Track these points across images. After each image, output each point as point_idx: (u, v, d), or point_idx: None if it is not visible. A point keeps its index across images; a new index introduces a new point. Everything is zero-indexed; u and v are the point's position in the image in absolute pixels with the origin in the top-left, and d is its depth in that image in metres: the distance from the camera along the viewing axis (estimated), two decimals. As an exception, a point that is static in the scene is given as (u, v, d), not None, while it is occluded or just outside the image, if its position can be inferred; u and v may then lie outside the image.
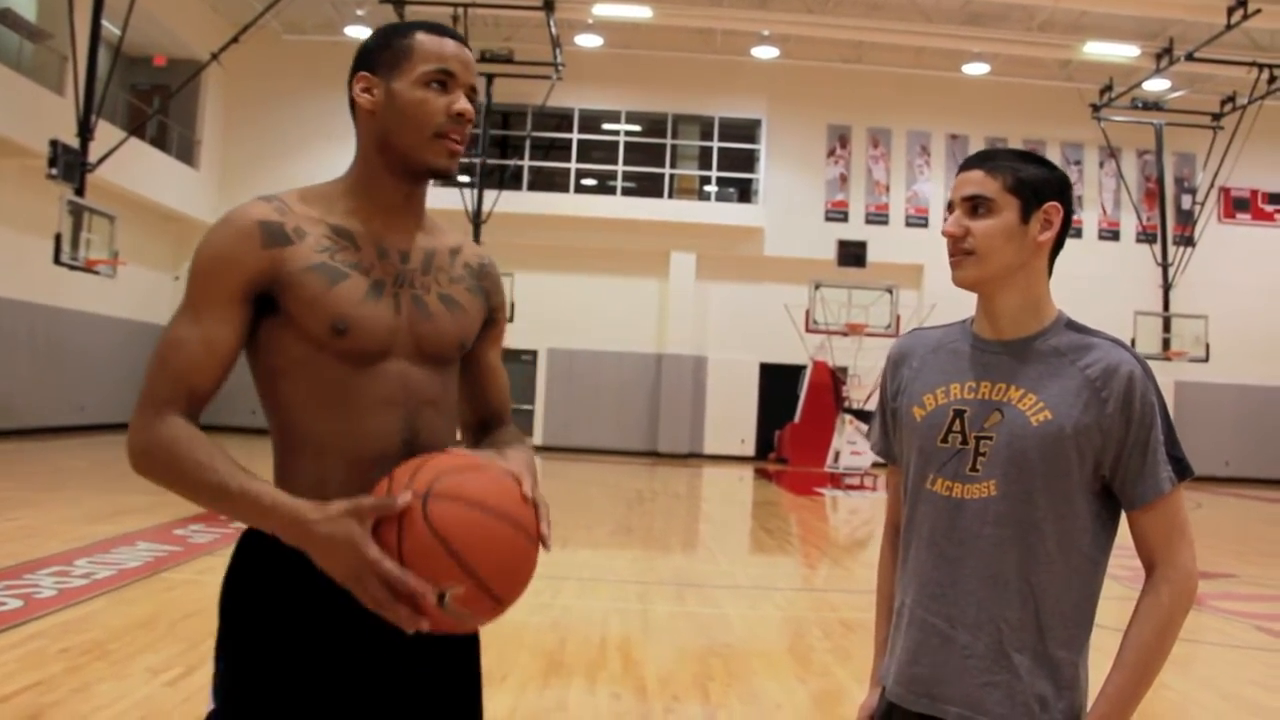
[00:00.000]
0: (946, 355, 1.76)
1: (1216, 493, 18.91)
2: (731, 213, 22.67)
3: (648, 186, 23.05)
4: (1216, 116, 20.74)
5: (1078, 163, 22.68)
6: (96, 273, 14.75)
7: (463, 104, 1.60)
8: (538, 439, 22.04)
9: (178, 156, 20.60)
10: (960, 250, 1.69)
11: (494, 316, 1.77)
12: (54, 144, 13.75)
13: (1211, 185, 21.50)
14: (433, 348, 1.62)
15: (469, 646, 1.70)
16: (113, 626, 5.19)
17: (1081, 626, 1.66)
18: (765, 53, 22.06)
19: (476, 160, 20.66)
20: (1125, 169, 22.47)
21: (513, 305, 19.49)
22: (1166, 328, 20.87)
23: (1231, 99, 20.22)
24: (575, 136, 22.79)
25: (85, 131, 14.38)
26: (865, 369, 17.67)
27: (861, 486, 16.27)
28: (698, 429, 22.42)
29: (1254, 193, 23.08)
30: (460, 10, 17.71)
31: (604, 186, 23.22)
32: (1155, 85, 20.83)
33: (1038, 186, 1.67)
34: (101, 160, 14.64)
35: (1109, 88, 20.88)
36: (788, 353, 20.66)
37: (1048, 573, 1.63)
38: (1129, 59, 20.39)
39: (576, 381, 22.38)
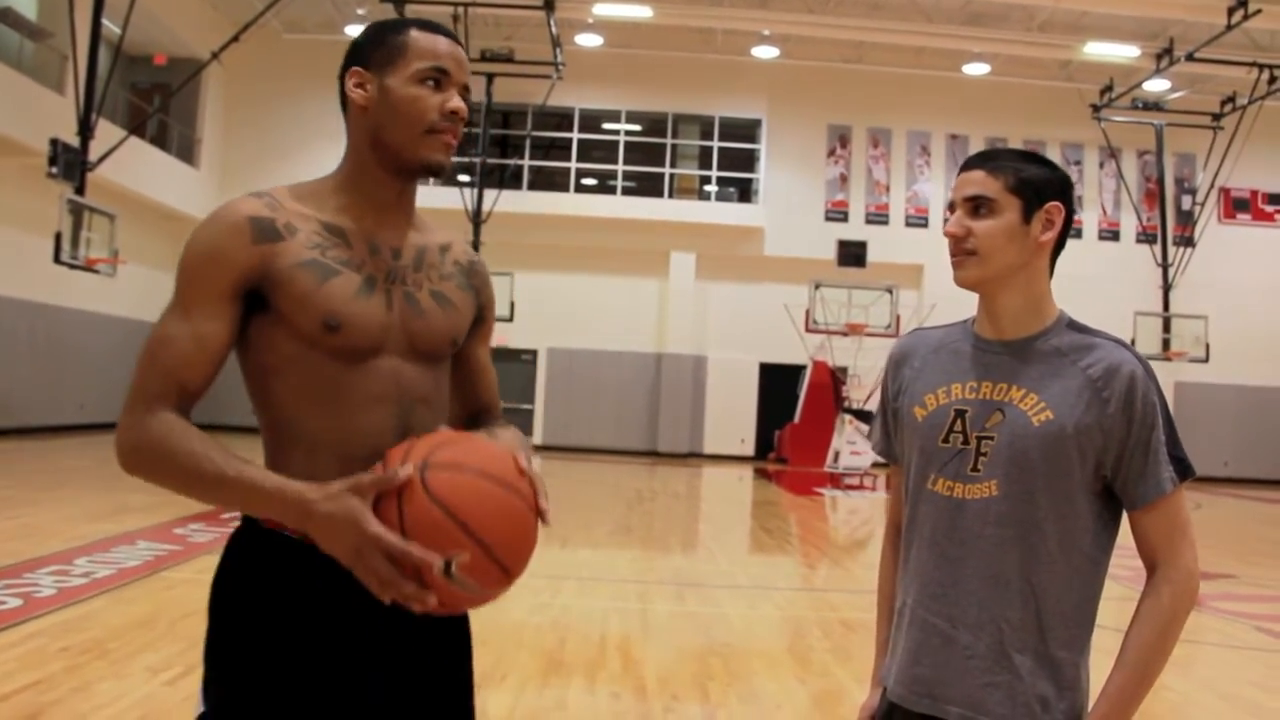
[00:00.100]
0: (948, 355, 1.76)
1: (1216, 493, 18.91)
2: (731, 212, 22.67)
3: (648, 186, 23.05)
4: (1217, 117, 20.74)
5: (1078, 163, 22.68)
6: (97, 271, 14.74)
7: (456, 102, 1.59)
8: (537, 438, 22.03)
9: (178, 155, 20.60)
10: (962, 250, 1.69)
11: (483, 314, 1.77)
12: (54, 143, 13.75)
13: (1211, 186, 21.50)
14: (425, 344, 1.61)
15: (460, 647, 1.69)
16: (112, 625, 5.19)
17: (1083, 627, 1.66)
18: (765, 52, 22.06)
19: (476, 160, 20.67)
20: (1125, 169, 22.47)
21: (512, 305, 19.52)
22: (1166, 328, 20.87)
23: (1232, 99, 20.21)
24: (575, 136, 22.79)
25: (85, 130, 14.37)
26: (865, 369, 17.67)
27: (861, 486, 16.27)
28: (697, 429, 22.42)
29: (1254, 193, 23.08)
30: (460, 9, 17.71)
31: (604, 186, 23.22)
32: (1155, 85, 20.83)
33: (1039, 186, 1.67)
34: (102, 159, 14.64)
35: (1109, 88, 20.88)
36: (787, 353, 20.65)
37: (1049, 573, 1.63)
38: (1129, 59, 20.39)
39: (576, 381, 22.38)
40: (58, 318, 17.25)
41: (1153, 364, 1.69)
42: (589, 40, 21.68)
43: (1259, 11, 16.38)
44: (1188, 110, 21.00)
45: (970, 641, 1.64)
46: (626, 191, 23.10)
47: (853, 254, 21.35)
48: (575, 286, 22.25)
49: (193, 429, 1.48)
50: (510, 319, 19.44)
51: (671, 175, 23.05)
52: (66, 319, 17.46)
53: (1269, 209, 23.19)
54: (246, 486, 1.43)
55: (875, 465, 16.42)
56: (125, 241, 15.49)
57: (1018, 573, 1.63)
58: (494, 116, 21.72)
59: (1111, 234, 22.91)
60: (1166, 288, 21.79)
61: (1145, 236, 22.35)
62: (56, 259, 13.69)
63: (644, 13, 19.55)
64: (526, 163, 22.54)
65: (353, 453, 1.52)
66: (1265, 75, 18.65)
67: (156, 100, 18.63)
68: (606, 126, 23.13)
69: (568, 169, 22.82)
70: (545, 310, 21.51)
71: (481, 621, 5.55)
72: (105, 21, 14.90)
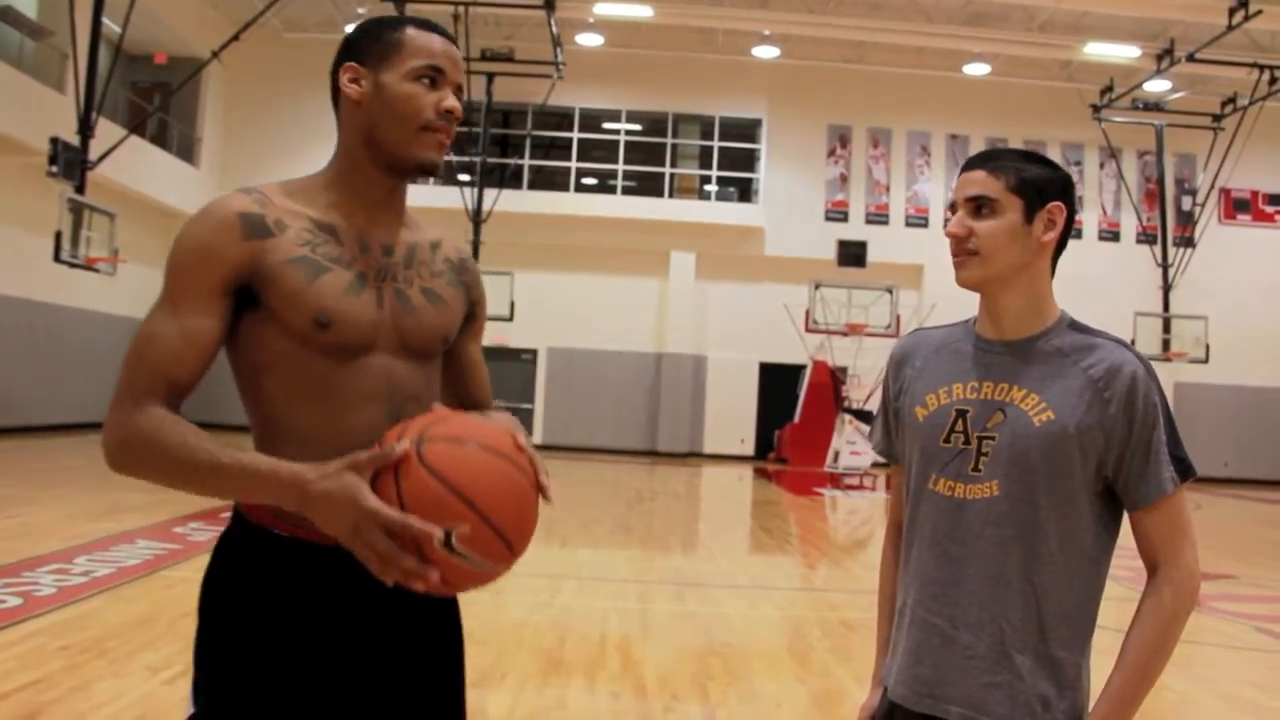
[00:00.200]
0: (949, 355, 1.76)
1: (1216, 494, 18.91)
2: (731, 212, 22.67)
3: (648, 186, 23.05)
4: (1217, 117, 20.74)
5: (1078, 163, 22.68)
6: (97, 270, 14.74)
7: (452, 101, 1.58)
8: (537, 438, 22.02)
9: (178, 154, 20.60)
10: (964, 250, 1.68)
11: (474, 311, 1.76)
12: (54, 141, 13.75)
13: (1212, 186, 21.50)
14: (416, 341, 1.60)
15: (452, 647, 1.69)
16: (112, 624, 5.19)
17: (1083, 627, 1.66)
18: (766, 52, 22.06)
19: (477, 159, 20.67)
20: (1125, 170, 22.47)
21: (512, 304, 19.52)
22: (1166, 328, 20.88)
23: (1232, 100, 20.21)
24: (575, 135, 22.79)
25: (86, 129, 14.37)
26: (865, 369, 17.67)
27: (861, 486, 16.27)
28: (697, 428, 22.42)
29: (1254, 194, 23.08)
30: (461, 8, 17.70)
31: (604, 186, 23.22)
32: (1156, 86, 20.83)
33: (1041, 186, 1.67)
34: (102, 158, 14.64)
35: (1109, 88, 20.88)
36: (787, 352, 20.65)
37: (1050, 573, 1.63)
38: (1130, 60, 20.40)
39: (576, 380, 22.38)
40: (58, 316, 17.25)
41: (1153, 364, 1.69)
42: (589, 40, 21.68)
43: (1260, 12, 16.38)
44: (1188, 111, 21.00)
45: (971, 641, 1.64)
46: (627, 191, 23.10)
47: (853, 254, 21.35)
48: (575, 286, 22.25)
49: (183, 421, 1.46)
50: (510, 318, 19.45)
51: (672, 175, 23.05)
52: (66, 318, 17.46)
53: (1269, 210, 23.19)
54: (242, 472, 1.41)
55: (875, 465, 16.43)
56: (125, 240, 15.49)
57: (1019, 573, 1.63)
58: (494, 116, 21.73)
59: (1112, 234, 22.91)
60: (1166, 288, 21.79)
61: (1145, 237, 22.36)
62: (56, 258, 13.69)
63: (644, 12, 19.55)
64: (527, 162, 22.54)
65: (344, 450, 1.50)
66: (1266, 76, 18.66)
67: (157, 99, 18.62)
68: (607, 126, 23.13)
69: (568, 168, 22.82)
70: (545, 310, 21.52)
71: (481, 621, 5.52)
72: (105, 20, 14.90)
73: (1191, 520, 1.66)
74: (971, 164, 1.71)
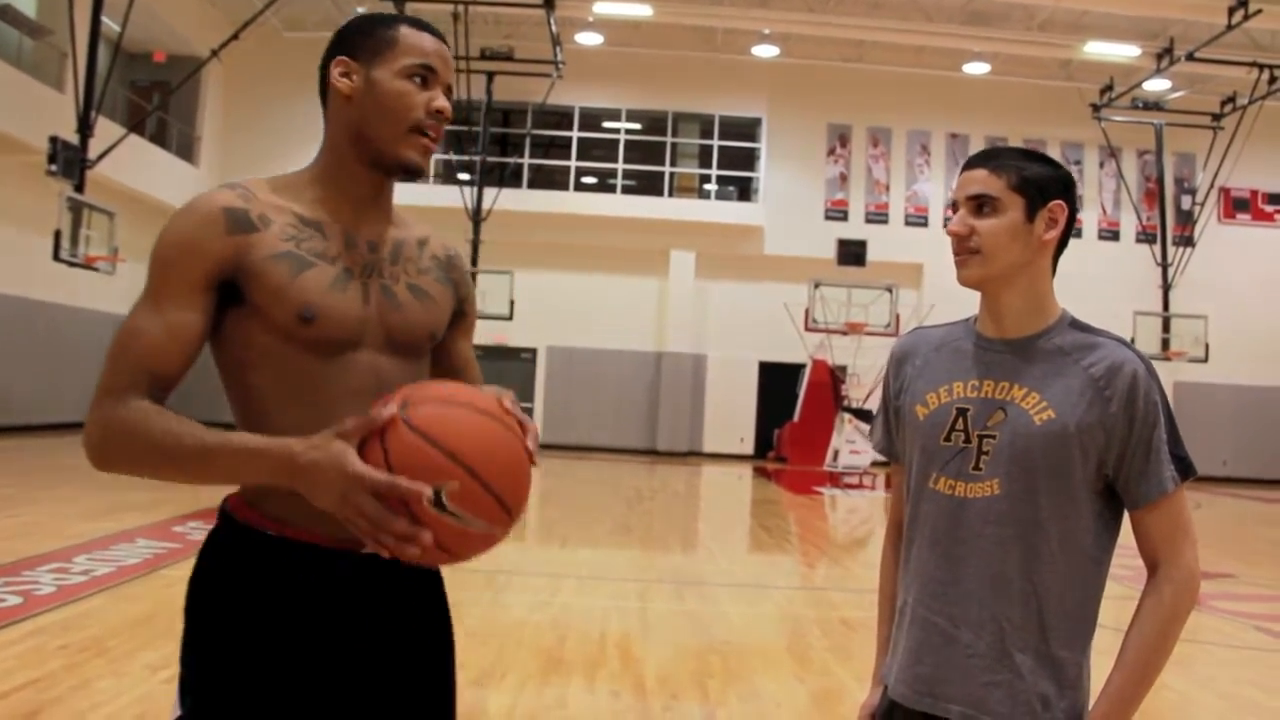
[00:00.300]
0: (950, 354, 1.76)
1: (1215, 493, 18.92)
2: (731, 211, 22.66)
3: (648, 185, 23.05)
4: (1217, 117, 20.74)
5: (1078, 163, 22.68)
6: (96, 269, 14.74)
7: (442, 101, 1.58)
8: (537, 437, 22.00)
9: (177, 153, 20.58)
10: (965, 249, 1.68)
11: (463, 308, 1.75)
12: (54, 140, 13.74)
13: (1211, 185, 21.50)
14: (403, 337, 1.59)
15: (443, 648, 1.68)
16: (112, 623, 5.19)
17: (1084, 626, 1.66)
18: (765, 51, 22.06)
19: (476, 158, 20.67)
20: (1125, 169, 22.47)
21: (512, 303, 19.52)
22: (1166, 328, 20.89)
23: (1232, 99, 20.21)
24: (575, 134, 22.78)
25: (85, 128, 14.36)
26: (865, 368, 17.68)
27: (860, 485, 16.28)
28: (697, 427, 22.42)
29: (1254, 193, 23.08)
30: (461, 7, 17.69)
31: (604, 185, 23.21)
32: (1155, 85, 20.83)
33: (1042, 185, 1.67)
34: (101, 157, 14.63)
35: (1109, 87, 20.88)
36: (787, 351, 20.66)
37: (1050, 572, 1.63)
38: (1129, 59, 20.39)
39: (576, 379, 22.38)
40: (57, 315, 17.25)
41: (1153, 363, 1.69)
42: (589, 39, 21.68)
43: (1259, 11, 16.38)
44: (1188, 110, 21.00)
45: (971, 640, 1.64)
46: (626, 190, 23.10)
47: (852, 253, 21.35)
48: (575, 285, 22.25)
49: (167, 411, 1.44)
50: (510, 317, 19.45)
51: (671, 174, 23.04)
52: (66, 317, 17.46)
53: (1269, 209, 23.19)
54: (232, 451, 1.39)
55: (875, 464, 16.43)
56: (124, 239, 15.48)
57: (1019, 572, 1.63)
58: (494, 115, 21.72)
59: (1111, 234, 22.92)
60: (1166, 287, 21.80)
61: (1145, 236, 22.36)
62: (56, 256, 13.69)
63: (644, 11, 19.54)
64: (526, 161, 22.53)
65: None
66: (1265, 75, 18.65)
67: (156, 98, 18.62)
68: (606, 125, 23.13)
69: (568, 167, 22.81)
70: (545, 309, 21.52)
71: (481, 620, 5.53)
72: (105, 19, 14.89)
73: (1192, 519, 1.66)
74: (973, 162, 1.71)
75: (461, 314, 1.75)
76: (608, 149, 23.10)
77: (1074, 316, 1.72)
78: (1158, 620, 1.61)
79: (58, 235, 13.60)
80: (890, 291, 18.93)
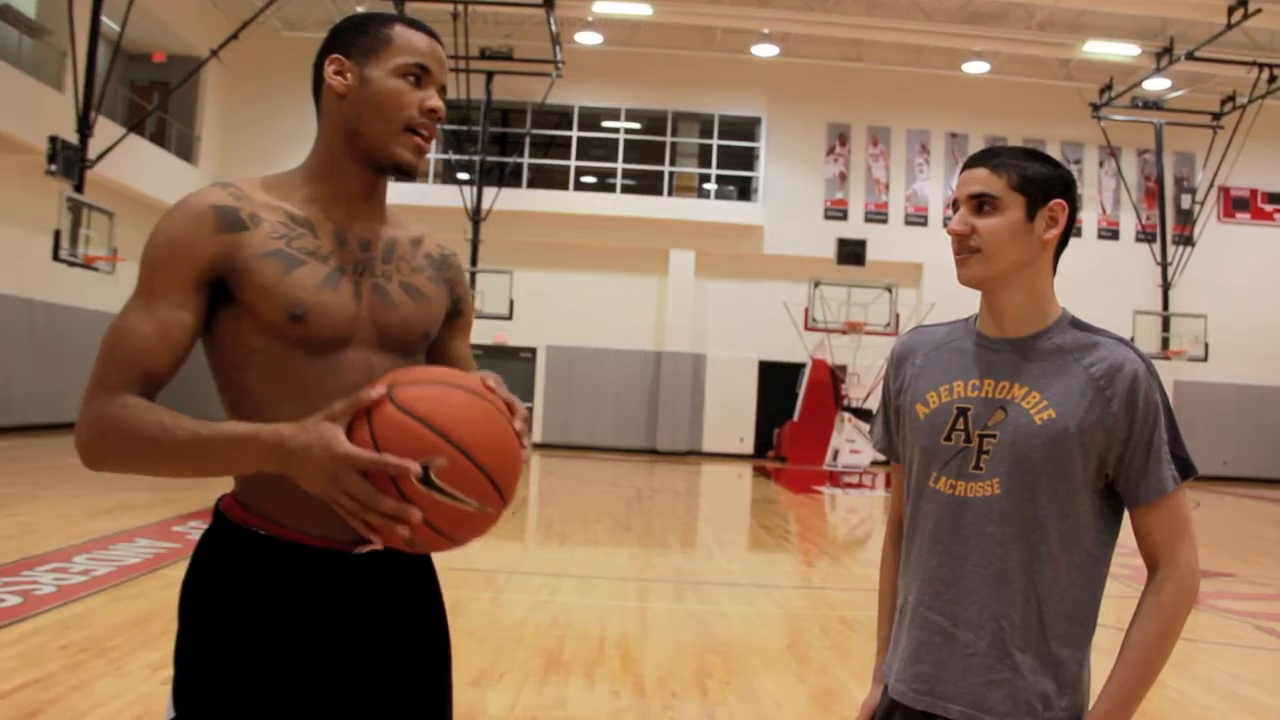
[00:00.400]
0: (950, 353, 1.76)
1: (1214, 492, 18.92)
2: (731, 210, 22.66)
3: (647, 184, 23.05)
4: (1216, 116, 20.74)
5: (1077, 162, 22.68)
6: (95, 269, 14.74)
7: (436, 101, 1.58)
8: (537, 436, 22.03)
9: (177, 153, 20.58)
10: (966, 248, 1.68)
11: (459, 307, 1.74)
12: (53, 140, 13.74)
13: (1211, 184, 21.51)
14: (396, 335, 1.58)
15: (438, 646, 1.67)
16: (112, 623, 5.18)
17: (1084, 625, 1.66)
18: (765, 50, 22.06)
19: (476, 158, 20.67)
20: (1125, 168, 22.47)
21: (512, 303, 19.51)
22: (1165, 327, 20.89)
23: (1231, 98, 20.22)
24: (575, 134, 22.78)
25: (84, 128, 14.37)
26: (864, 367, 17.69)
27: (860, 484, 16.28)
28: (696, 427, 22.42)
29: (1253, 192, 23.08)
30: (461, 7, 17.68)
31: (603, 184, 23.21)
32: (1155, 84, 20.83)
33: (1043, 184, 1.67)
34: (101, 157, 14.64)
35: (1109, 87, 20.89)
36: (787, 351, 20.67)
37: (1051, 571, 1.63)
38: (1129, 58, 20.40)
39: (575, 379, 22.38)
40: (57, 315, 17.25)
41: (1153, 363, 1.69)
42: (588, 38, 21.68)
43: (1259, 11, 16.39)
44: (1187, 109, 21.00)
45: (972, 639, 1.64)
46: (626, 189, 23.10)
47: (852, 252, 21.31)
48: (574, 284, 22.25)
49: (159, 406, 1.44)
50: (509, 317, 19.44)
51: (671, 173, 23.04)
52: (66, 316, 17.46)
53: (1268, 208, 23.19)
54: (225, 440, 1.39)
55: (874, 463, 16.43)
56: (124, 239, 15.47)
57: (1020, 571, 1.63)
58: (493, 114, 21.72)
59: (1111, 233, 22.92)
60: (1166, 286, 21.80)
61: (1144, 235, 22.36)
62: (55, 256, 13.69)
63: (644, 10, 19.54)
64: (526, 161, 22.53)
65: None
66: (1265, 74, 18.66)
67: (155, 98, 18.62)
68: (606, 124, 23.12)
69: (567, 167, 22.81)
70: (544, 308, 21.52)
71: (480, 619, 5.53)
72: (104, 19, 14.89)
73: (1192, 518, 1.66)
74: (973, 162, 1.71)
75: (457, 313, 1.74)
76: (607, 148, 23.10)
77: (1074, 316, 1.72)
78: (1158, 619, 1.61)
79: (57, 235, 13.61)
80: (890, 291, 18.93)
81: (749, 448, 22.32)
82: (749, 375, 22.40)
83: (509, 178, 21.81)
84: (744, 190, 23.44)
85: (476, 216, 20.44)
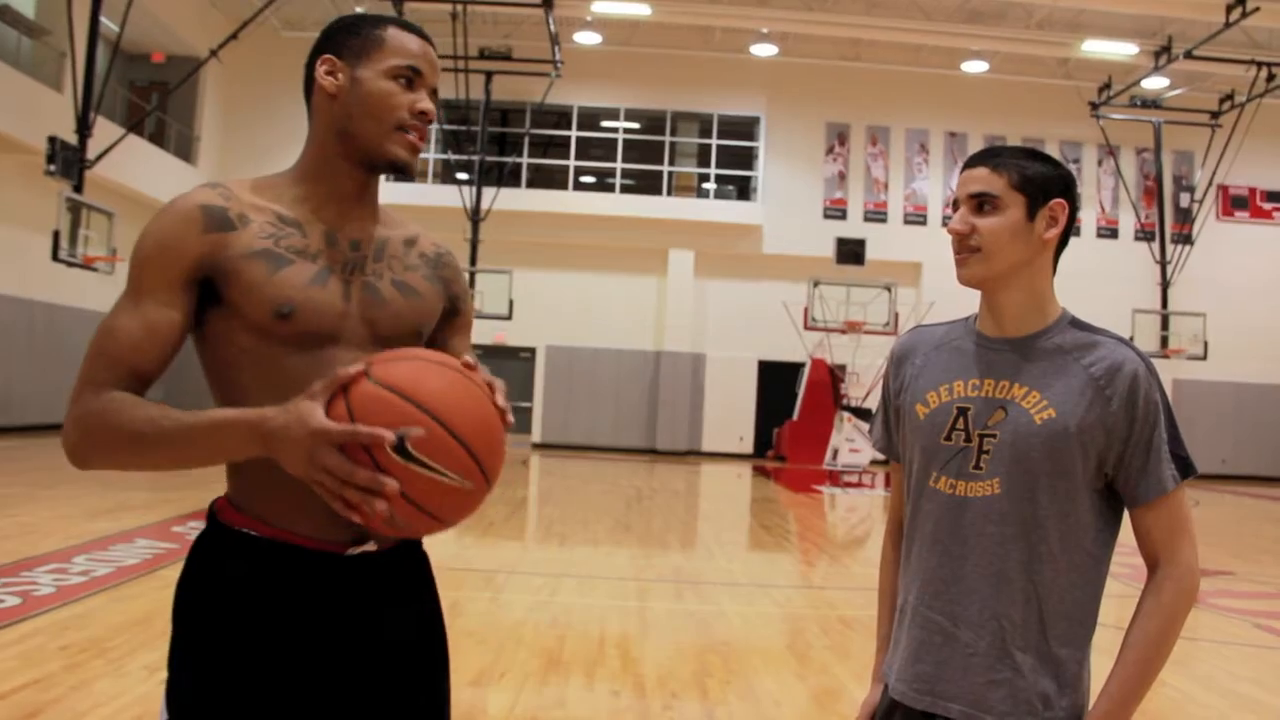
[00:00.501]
0: (950, 352, 1.76)
1: (1214, 490, 18.93)
2: (730, 210, 22.66)
3: (646, 184, 23.05)
4: (1215, 114, 20.75)
5: (1076, 161, 22.68)
6: (95, 269, 14.75)
7: (427, 104, 1.58)
8: (536, 436, 22.04)
9: (176, 153, 20.58)
10: (966, 248, 1.68)
11: (457, 306, 1.74)
12: (52, 140, 13.75)
13: (1210, 183, 21.52)
14: (387, 333, 1.58)
15: (434, 647, 1.67)
16: (111, 624, 5.18)
17: (1084, 624, 1.66)
18: (764, 50, 22.06)
19: (475, 158, 20.66)
20: (1124, 167, 22.48)
21: (511, 302, 19.52)
22: (1165, 325, 20.90)
23: (1230, 97, 20.22)
24: (574, 134, 22.78)
25: (84, 128, 14.37)
26: (864, 366, 17.69)
27: (860, 484, 16.28)
28: (696, 426, 22.43)
29: (1252, 191, 23.09)
30: (460, 7, 17.68)
31: (603, 184, 23.21)
32: (1154, 83, 20.84)
33: (1043, 183, 1.67)
34: (100, 157, 14.64)
35: (1108, 86, 20.89)
36: (786, 350, 20.67)
37: (1051, 571, 1.63)
38: (1128, 57, 20.40)
39: (575, 379, 22.38)
40: (56, 315, 17.25)
41: (1153, 362, 1.69)
42: (587, 38, 21.67)
43: (1257, 9, 16.40)
44: (1186, 108, 21.01)
45: (972, 639, 1.64)
46: (625, 189, 23.10)
47: (851, 252, 21.30)
48: (574, 284, 22.25)
49: (145, 400, 1.44)
50: (509, 317, 19.45)
51: (670, 173, 23.04)
52: (65, 316, 17.46)
53: (1267, 206, 23.20)
54: (208, 427, 1.40)
55: (874, 462, 16.43)
56: (123, 239, 15.47)
57: (1020, 571, 1.63)
58: (492, 114, 21.72)
59: (1110, 232, 22.92)
60: (1165, 285, 21.81)
61: (1143, 234, 22.37)
62: (55, 256, 13.70)
63: (643, 10, 19.53)
64: (525, 160, 22.53)
65: None
66: (1264, 73, 18.67)
67: (155, 98, 18.63)
68: (605, 124, 23.12)
69: (566, 167, 22.81)
70: (544, 308, 21.52)
71: (480, 620, 5.52)
72: (103, 19, 14.90)
73: (1191, 517, 1.66)
74: (974, 161, 1.71)
75: (455, 312, 1.74)
76: (606, 148, 23.10)
77: (1074, 315, 1.72)
78: (1158, 618, 1.61)
79: (56, 235, 13.61)
80: (889, 290, 18.93)
81: (748, 447, 22.32)
82: (748, 375, 22.41)
83: (508, 178, 21.81)
84: (743, 190, 23.44)
85: (476, 216, 20.44)
